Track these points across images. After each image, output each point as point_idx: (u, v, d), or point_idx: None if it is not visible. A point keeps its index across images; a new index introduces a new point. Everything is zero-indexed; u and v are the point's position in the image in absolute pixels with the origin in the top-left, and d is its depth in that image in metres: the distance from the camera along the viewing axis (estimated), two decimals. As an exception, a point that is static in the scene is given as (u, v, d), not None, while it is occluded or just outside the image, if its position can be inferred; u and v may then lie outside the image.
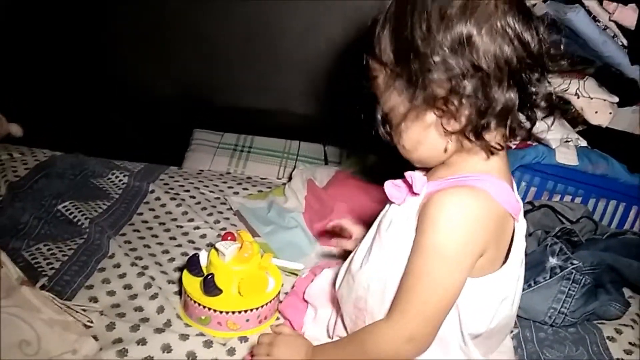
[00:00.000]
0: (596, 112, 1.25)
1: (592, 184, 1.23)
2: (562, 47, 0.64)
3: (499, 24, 0.59)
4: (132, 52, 1.66)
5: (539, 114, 0.64)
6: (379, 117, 0.68)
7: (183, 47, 1.66)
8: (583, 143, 1.25)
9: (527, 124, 0.64)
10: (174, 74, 1.69)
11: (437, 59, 0.60)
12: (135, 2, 1.60)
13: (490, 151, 0.64)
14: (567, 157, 1.21)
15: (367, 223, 1.19)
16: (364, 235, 0.79)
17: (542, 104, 0.63)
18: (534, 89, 0.62)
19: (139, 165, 1.42)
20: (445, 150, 0.66)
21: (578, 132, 1.28)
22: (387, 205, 0.74)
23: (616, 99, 1.26)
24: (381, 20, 0.66)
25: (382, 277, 0.70)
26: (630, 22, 1.25)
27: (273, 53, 1.65)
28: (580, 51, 1.28)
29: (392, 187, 0.71)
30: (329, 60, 1.58)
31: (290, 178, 1.41)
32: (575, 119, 1.29)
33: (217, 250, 0.90)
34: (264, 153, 1.58)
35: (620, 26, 1.26)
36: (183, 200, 1.29)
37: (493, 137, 0.63)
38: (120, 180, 1.34)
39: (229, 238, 0.94)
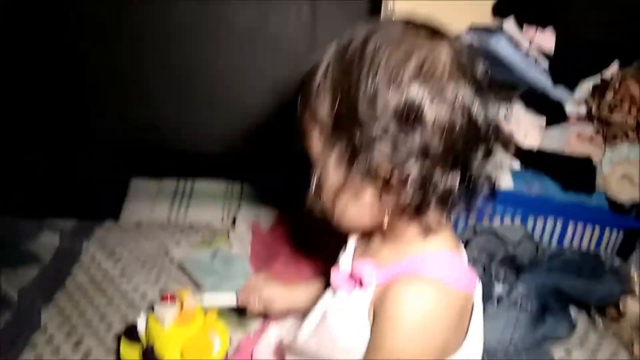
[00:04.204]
0: (525, 135, 1.28)
1: (529, 204, 1.26)
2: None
3: (451, 95, 0.52)
4: (57, 96, 1.58)
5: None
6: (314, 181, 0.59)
7: (113, 91, 1.60)
8: (516, 165, 1.28)
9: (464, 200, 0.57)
10: (106, 119, 1.63)
11: (382, 130, 0.52)
12: (60, 45, 1.53)
13: (427, 231, 0.58)
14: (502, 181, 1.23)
15: (314, 267, 1.18)
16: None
17: (484, 183, 0.57)
18: (476, 169, 0.56)
19: (71, 222, 1.35)
20: (381, 224, 0.59)
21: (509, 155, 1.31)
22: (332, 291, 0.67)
23: (544, 120, 1.30)
24: (322, 69, 0.56)
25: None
26: (549, 46, 1.31)
27: (208, 93, 1.62)
28: (505, 76, 1.32)
29: (338, 277, 0.64)
30: (264, 99, 1.56)
31: (234, 222, 1.37)
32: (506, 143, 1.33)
33: (155, 315, 0.86)
34: (205, 197, 1.53)
35: (540, 50, 1.32)
36: (121, 256, 1.23)
37: (430, 214, 0.57)
38: (50, 242, 1.26)
39: (169, 299, 0.89)
